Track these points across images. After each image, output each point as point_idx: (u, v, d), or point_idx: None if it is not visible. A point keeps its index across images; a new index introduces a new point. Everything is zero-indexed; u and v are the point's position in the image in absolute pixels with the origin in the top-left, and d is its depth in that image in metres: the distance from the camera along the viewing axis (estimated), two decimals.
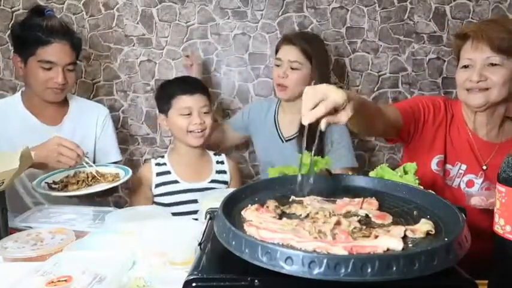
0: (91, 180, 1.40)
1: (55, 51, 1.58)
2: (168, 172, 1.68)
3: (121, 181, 1.40)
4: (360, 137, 2.15)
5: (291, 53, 1.74)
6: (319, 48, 1.82)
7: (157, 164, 1.69)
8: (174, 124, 1.63)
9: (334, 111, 0.87)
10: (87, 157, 1.43)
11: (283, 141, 1.84)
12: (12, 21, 2.01)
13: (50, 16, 1.62)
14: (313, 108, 0.85)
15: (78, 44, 1.69)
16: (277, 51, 1.83)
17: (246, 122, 1.95)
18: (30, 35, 1.57)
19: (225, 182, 1.73)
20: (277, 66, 1.78)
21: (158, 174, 1.67)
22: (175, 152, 1.73)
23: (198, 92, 1.62)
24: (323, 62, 1.82)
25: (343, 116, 0.89)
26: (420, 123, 1.40)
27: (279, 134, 1.86)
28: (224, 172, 1.74)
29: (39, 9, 1.64)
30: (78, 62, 1.95)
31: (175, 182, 1.66)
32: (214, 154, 1.77)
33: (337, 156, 1.72)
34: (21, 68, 1.62)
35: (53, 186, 1.40)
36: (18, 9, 2.03)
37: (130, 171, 1.44)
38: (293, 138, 1.81)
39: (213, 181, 1.70)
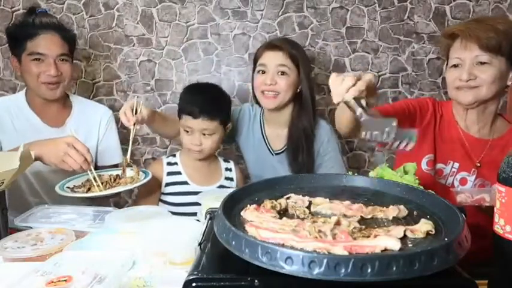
0: (113, 182, 1.39)
1: (44, 42, 1.58)
2: (179, 173, 1.68)
3: (142, 182, 1.38)
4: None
5: (277, 58, 1.67)
6: (304, 54, 1.75)
7: (169, 164, 1.69)
8: (181, 136, 1.65)
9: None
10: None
11: (272, 155, 1.81)
12: (12, 21, 2.01)
13: (42, 13, 1.64)
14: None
15: (71, 37, 1.68)
16: (257, 58, 1.74)
17: (235, 122, 1.86)
18: (20, 32, 1.59)
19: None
20: (262, 72, 1.69)
21: (169, 173, 1.67)
22: (187, 153, 1.72)
23: (203, 116, 1.58)
24: (308, 68, 1.75)
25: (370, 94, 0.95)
26: (405, 125, 1.40)
27: (268, 147, 1.82)
28: (231, 179, 1.74)
29: (33, 10, 1.65)
30: (78, 62, 1.96)
31: (185, 183, 1.67)
32: (224, 161, 1.77)
33: (325, 168, 1.71)
34: (17, 67, 1.63)
35: (76, 190, 1.37)
36: (18, 9, 2.04)
37: (150, 173, 1.43)
38: (282, 151, 1.78)
39: (221, 186, 1.70)
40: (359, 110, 0.89)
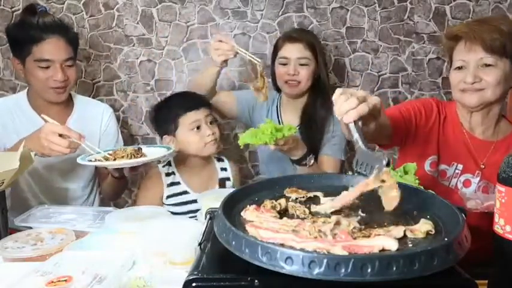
0: (137, 154, 1.35)
1: (50, 48, 1.56)
2: (178, 183, 1.67)
3: (168, 152, 1.37)
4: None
5: (298, 51, 1.78)
6: (320, 43, 1.89)
7: (167, 174, 1.67)
8: (186, 141, 1.62)
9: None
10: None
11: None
12: (12, 21, 2.01)
13: (43, 13, 1.60)
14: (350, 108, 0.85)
15: (74, 39, 1.66)
16: (276, 49, 1.84)
17: (254, 102, 1.91)
18: (23, 34, 1.56)
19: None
20: (284, 64, 1.80)
21: (169, 185, 1.66)
22: (182, 161, 1.70)
23: (203, 106, 1.63)
24: (324, 55, 1.89)
25: (372, 119, 0.93)
26: (412, 128, 1.39)
27: None
28: (228, 179, 1.74)
29: (32, 8, 1.61)
30: (78, 62, 1.95)
31: (185, 192, 1.66)
32: (218, 160, 1.76)
33: (329, 144, 1.80)
34: (21, 69, 1.61)
35: (100, 160, 1.31)
36: (18, 9, 2.03)
37: (172, 148, 1.42)
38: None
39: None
40: (355, 136, 0.85)
